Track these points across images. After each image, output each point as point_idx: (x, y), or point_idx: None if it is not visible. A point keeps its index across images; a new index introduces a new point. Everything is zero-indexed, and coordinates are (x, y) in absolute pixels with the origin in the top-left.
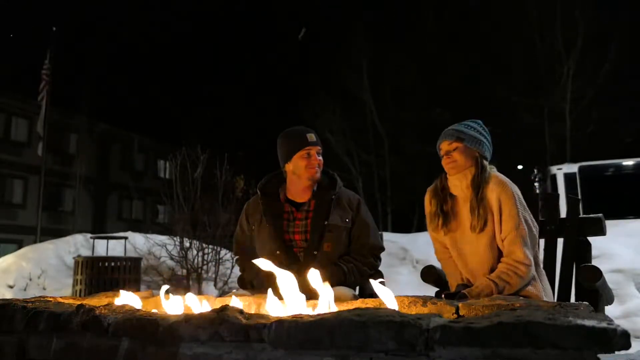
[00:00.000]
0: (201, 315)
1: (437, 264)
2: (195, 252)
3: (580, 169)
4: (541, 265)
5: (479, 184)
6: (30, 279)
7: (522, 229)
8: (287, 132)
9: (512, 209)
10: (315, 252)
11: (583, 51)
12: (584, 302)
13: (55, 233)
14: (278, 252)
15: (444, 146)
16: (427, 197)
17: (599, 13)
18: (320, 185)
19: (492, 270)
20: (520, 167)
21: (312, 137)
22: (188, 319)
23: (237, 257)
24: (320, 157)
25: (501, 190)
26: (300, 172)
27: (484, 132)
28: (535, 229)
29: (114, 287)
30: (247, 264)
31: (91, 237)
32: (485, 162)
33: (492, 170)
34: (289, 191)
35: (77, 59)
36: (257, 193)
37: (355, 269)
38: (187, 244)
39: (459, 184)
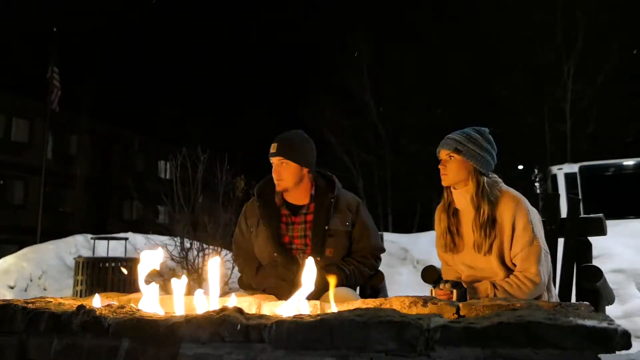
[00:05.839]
0: (201, 316)
1: (438, 264)
2: (195, 252)
3: (581, 169)
4: (553, 289)
5: (478, 201)
6: (31, 280)
7: (536, 245)
8: None
9: (527, 225)
10: (318, 259)
11: (583, 51)
12: (585, 302)
13: (55, 234)
14: (276, 254)
15: (441, 154)
16: (437, 215)
17: (599, 13)
18: (319, 189)
19: None
20: (520, 167)
21: (274, 147)
22: (188, 320)
23: (236, 258)
24: (285, 169)
25: (515, 206)
26: None
27: (486, 145)
28: (548, 253)
29: (114, 287)
30: (246, 265)
31: (92, 238)
32: (482, 178)
33: (501, 185)
34: (286, 194)
35: (78, 59)
36: (254, 196)
37: (356, 270)
38: (187, 245)
39: (462, 199)
